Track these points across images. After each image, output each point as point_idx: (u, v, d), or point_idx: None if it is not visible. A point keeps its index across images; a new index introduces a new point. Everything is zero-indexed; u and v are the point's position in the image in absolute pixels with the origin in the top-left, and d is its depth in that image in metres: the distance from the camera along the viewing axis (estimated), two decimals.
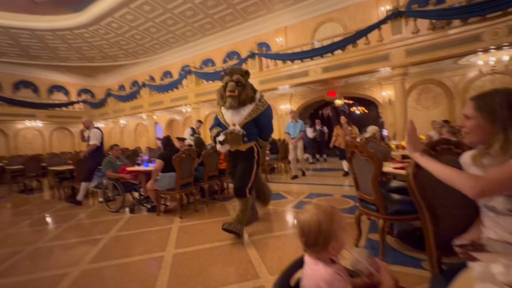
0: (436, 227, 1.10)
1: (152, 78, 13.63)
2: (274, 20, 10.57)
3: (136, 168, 4.40)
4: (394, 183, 2.92)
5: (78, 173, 5.06)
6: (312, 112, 12.39)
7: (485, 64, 6.47)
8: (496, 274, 0.67)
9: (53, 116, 14.01)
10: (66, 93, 16.18)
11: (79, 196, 4.88)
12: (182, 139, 4.71)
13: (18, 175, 7.16)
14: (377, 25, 6.52)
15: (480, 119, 0.92)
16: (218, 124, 3.08)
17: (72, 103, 15.03)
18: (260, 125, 2.97)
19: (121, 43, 12.10)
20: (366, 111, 14.56)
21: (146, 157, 4.57)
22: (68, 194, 5.82)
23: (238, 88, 2.84)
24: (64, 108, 14.52)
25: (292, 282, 0.87)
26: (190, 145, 4.98)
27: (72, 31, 10.80)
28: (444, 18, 5.68)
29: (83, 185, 4.86)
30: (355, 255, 0.81)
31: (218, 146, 2.96)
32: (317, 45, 7.89)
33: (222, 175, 4.77)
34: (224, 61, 11.72)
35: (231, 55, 11.94)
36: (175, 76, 13.19)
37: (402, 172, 2.41)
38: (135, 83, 15.29)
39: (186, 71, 10.74)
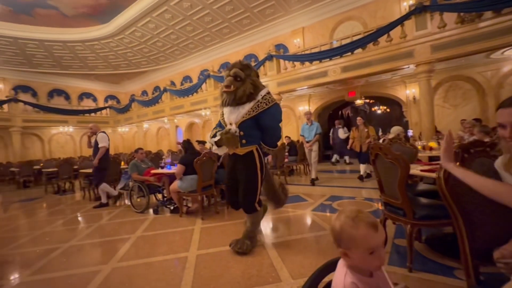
0: (471, 234, 1.04)
1: (172, 83, 14.11)
2: (291, 22, 10.53)
3: (160, 170, 4.56)
4: (422, 186, 2.78)
5: (94, 178, 5.29)
6: (331, 113, 12.15)
7: None
8: None
9: (83, 122, 14.93)
10: (95, 99, 17.17)
11: (103, 199, 5.14)
12: (202, 142, 4.82)
13: (52, 177, 7.71)
14: (400, 21, 6.27)
15: None
16: (220, 125, 2.79)
17: (100, 109, 15.97)
18: (262, 126, 2.57)
19: (144, 50, 12.64)
20: (388, 110, 14.03)
21: (169, 160, 4.73)
22: (98, 196, 6.16)
23: (236, 83, 2.51)
24: (92, 114, 15.46)
25: (321, 286, 0.86)
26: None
27: (100, 41, 11.46)
28: (475, 10, 5.34)
29: (101, 188, 5.13)
30: None
31: (214, 148, 2.71)
32: (335, 44, 7.75)
33: None
34: None
35: (248, 58, 12.04)
36: (195, 80, 13.53)
37: (431, 174, 2.30)
38: (157, 88, 15.90)
39: (205, 75, 10.99)
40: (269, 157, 6.21)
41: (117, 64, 14.15)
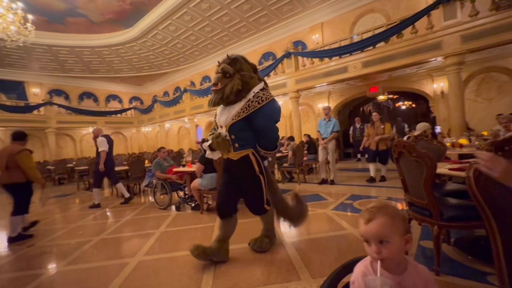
0: (506, 237, 0.97)
1: (192, 83, 14.45)
2: (309, 18, 10.33)
3: (181, 169, 4.71)
4: (450, 186, 2.63)
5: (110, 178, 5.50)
6: (352, 110, 11.80)
7: None
8: None
9: (110, 122, 15.82)
10: (120, 101, 18.05)
11: (125, 194, 5.34)
12: None
13: (84, 174, 8.24)
14: (426, 11, 5.93)
15: None
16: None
17: (125, 110, 16.80)
18: (255, 127, 2.29)
19: (165, 52, 13.05)
20: (413, 106, 13.35)
21: (190, 159, 4.87)
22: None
23: (224, 80, 2.25)
24: (118, 115, 16.31)
25: (340, 285, 0.85)
26: None
27: (124, 45, 12.01)
28: None
29: (118, 186, 5.45)
30: (377, 282, 0.71)
31: (208, 153, 2.54)
32: (356, 39, 7.50)
33: None
34: (260, 63, 11.84)
35: (266, 56, 12.02)
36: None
37: (460, 173, 2.18)
38: (177, 88, 16.37)
39: None
40: (289, 153, 6.15)
41: (140, 67, 14.75)
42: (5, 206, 5.31)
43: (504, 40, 5.08)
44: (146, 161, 6.77)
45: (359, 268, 0.81)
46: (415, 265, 0.79)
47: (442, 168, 2.27)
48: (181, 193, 5.03)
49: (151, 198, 5.66)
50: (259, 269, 2.19)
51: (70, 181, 10.36)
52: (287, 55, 8.64)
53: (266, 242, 2.49)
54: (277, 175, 6.39)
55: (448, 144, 3.85)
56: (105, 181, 6.06)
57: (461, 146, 3.90)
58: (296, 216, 2.63)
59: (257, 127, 2.28)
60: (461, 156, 3.58)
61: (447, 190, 2.48)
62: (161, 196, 5.01)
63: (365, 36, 7.07)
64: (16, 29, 6.76)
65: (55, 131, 13.62)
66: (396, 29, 6.34)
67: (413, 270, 0.77)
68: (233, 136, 2.29)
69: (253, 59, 12.55)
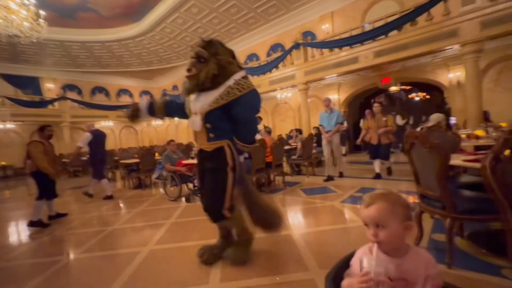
0: None
1: None
2: (319, 7, 10.06)
3: (190, 161, 4.77)
4: (465, 178, 2.55)
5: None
6: (363, 101, 11.54)
7: None
8: None
9: (121, 116, 16.05)
10: (131, 95, 18.31)
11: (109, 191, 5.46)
12: None
13: None
14: None
15: None
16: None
17: None
18: (233, 117, 2.07)
19: (174, 46, 13.06)
20: (428, 97, 12.92)
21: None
22: (135, 184, 6.66)
23: (199, 65, 2.04)
24: None
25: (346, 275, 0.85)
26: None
27: (133, 39, 12.09)
28: None
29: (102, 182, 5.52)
30: (372, 261, 0.73)
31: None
32: (368, 28, 7.26)
33: (269, 168, 4.85)
34: (268, 54, 11.69)
35: (275, 47, 11.83)
36: None
37: (474, 165, 2.10)
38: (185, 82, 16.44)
39: None
40: (298, 145, 6.10)
41: (149, 61, 14.85)
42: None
43: None
44: (157, 154, 6.89)
45: (359, 251, 0.86)
46: (417, 250, 0.81)
47: (456, 160, 2.19)
48: (190, 185, 5.11)
49: (161, 190, 5.78)
50: (267, 260, 2.21)
51: (84, 173, 10.69)
52: (296, 46, 8.48)
53: (243, 251, 2.18)
54: (286, 168, 6.37)
55: (463, 136, 3.71)
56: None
57: (477, 137, 3.75)
58: (271, 224, 2.37)
59: (236, 116, 2.06)
60: (477, 148, 3.45)
61: (462, 182, 2.41)
62: (171, 188, 5.11)
63: (377, 25, 6.83)
64: (29, 25, 6.89)
65: (69, 125, 14.02)
66: (410, 17, 6.08)
67: (414, 254, 0.79)
68: (208, 125, 2.06)
69: (262, 50, 12.42)
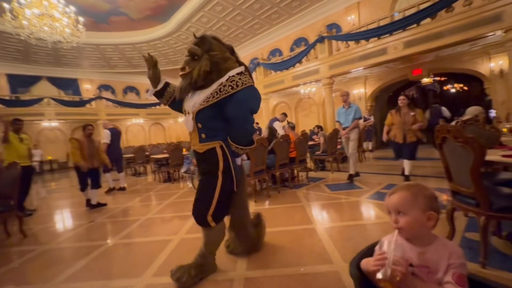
0: None
1: None
2: None
3: None
4: (504, 175, 2.38)
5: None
6: (391, 95, 10.99)
7: None
8: None
9: (150, 114, 17.02)
10: None
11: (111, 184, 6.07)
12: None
13: (130, 162, 9.08)
14: None
15: None
16: None
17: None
18: (226, 116, 1.91)
19: None
20: (465, 88, 11.96)
21: None
22: (165, 178, 7.04)
23: (193, 63, 1.94)
24: (157, 107, 17.38)
25: None
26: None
27: (161, 40, 12.62)
28: None
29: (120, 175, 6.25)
30: (389, 246, 0.78)
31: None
32: (397, 17, 6.88)
33: (293, 163, 4.87)
34: (291, 49, 11.56)
35: (298, 42, 11.67)
36: None
37: None
38: None
39: (254, 64, 11.14)
40: (321, 140, 6.01)
41: (176, 60, 15.41)
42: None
43: None
44: (184, 150, 7.21)
45: (383, 238, 0.88)
46: (444, 241, 0.82)
47: (494, 155, 2.06)
48: None
49: (189, 184, 6.06)
50: (291, 251, 2.27)
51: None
52: (320, 39, 8.29)
53: (191, 275, 1.90)
54: (309, 164, 6.34)
55: (504, 130, 3.44)
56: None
57: None
58: (252, 242, 2.28)
59: (228, 115, 1.90)
60: None
61: (500, 179, 2.26)
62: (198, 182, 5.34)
63: (407, 13, 6.45)
64: (70, 31, 7.52)
65: (105, 122, 15.10)
66: (445, 2, 5.66)
67: (439, 244, 0.80)
68: (200, 125, 1.95)
69: (285, 45, 12.32)
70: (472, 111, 3.73)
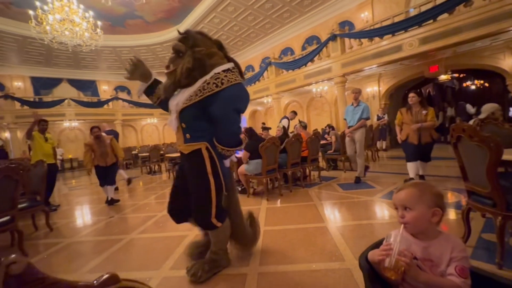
0: None
1: None
2: None
3: None
4: None
5: None
6: (407, 93, 10.69)
7: None
8: None
9: (163, 114, 17.38)
10: None
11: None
12: (266, 129, 5.06)
13: (145, 160, 9.37)
14: None
15: None
16: None
17: None
18: (210, 115, 1.83)
19: None
20: (486, 85, 11.46)
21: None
22: None
23: (177, 60, 1.87)
24: None
25: None
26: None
27: (174, 41, 12.91)
28: None
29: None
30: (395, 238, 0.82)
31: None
32: (413, 13, 6.72)
33: (305, 162, 4.88)
34: (303, 48, 11.50)
35: (310, 40, 11.60)
36: (257, 68, 13.89)
37: None
38: None
39: (266, 63, 11.17)
40: (332, 138, 5.97)
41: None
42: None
43: None
44: None
45: (393, 230, 0.91)
46: (447, 235, 0.85)
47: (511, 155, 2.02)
48: None
49: None
50: (303, 249, 2.31)
51: (134, 166, 11.88)
52: (333, 37, 8.22)
53: (205, 270, 1.95)
54: (322, 163, 6.32)
55: None
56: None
57: None
58: (249, 242, 2.28)
59: (212, 115, 1.81)
60: None
61: None
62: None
63: (423, 8, 6.29)
64: (89, 35, 7.86)
65: (121, 122, 15.62)
66: None
67: (443, 239, 0.83)
68: (184, 125, 1.88)
69: (297, 44, 12.27)
70: (488, 108, 3.60)
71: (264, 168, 4.02)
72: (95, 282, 0.48)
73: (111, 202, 4.80)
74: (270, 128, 5.46)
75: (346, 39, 8.23)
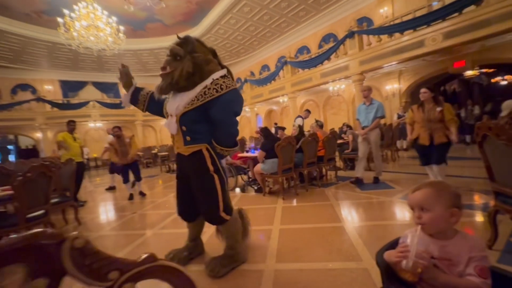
0: None
1: (252, 73, 14.92)
2: None
3: (245, 154, 5.11)
4: None
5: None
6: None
7: None
8: None
9: None
10: None
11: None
12: (282, 128, 5.08)
13: (164, 159, 9.68)
14: None
15: None
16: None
17: None
18: (211, 119, 1.95)
19: (227, 46, 13.79)
20: None
21: (252, 145, 5.23)
22: None
23: (174, 63, 1.93)
24: None
25: None
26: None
27: None
28: None
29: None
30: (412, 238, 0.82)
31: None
32: (436, 6, 6.43)
33: (321, 162, 4.84)
34: (320, 46, 11.35)
35: (326, 38, 11.42)
36: (272, 68, 13.89)
37: None
38: (238, 79, 17.13)
39: (282, 62, 11.14)
40: (349, 137, 5.87)
41: None
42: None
43: None
44: None
45: (407, 231, 0.92)
46: (465, 234, 0.83)
47: None
48: (245, 177, 5.46)
49: None
50: (320, 247, 2.31)
51: (154, 164, 12.30)
52: (350, 35, 8.05)
53: (224, 264, 2.04)
54: (339, 163, 6.22)
55: None
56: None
57: None
58: (240, 236, 2.30)
59: (213, 118, 1.94)
60: None
61: None
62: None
63: (447, 1, 6.00)
64: (112, 40, 8.25)
65: (142, 123, 16.22)
66: None
67: (460, 238, 0.82)
68: (184, 128, 1.96)
69: (313, 42, 12.13)
70: (508, 105, 3.37)
71: (280, 167, 4.04)
72: (137, 260, 0.58)
73: (142, 194, 5.36)
74: (285, 128, 5.46)
75: (365, 36, 8.03)
